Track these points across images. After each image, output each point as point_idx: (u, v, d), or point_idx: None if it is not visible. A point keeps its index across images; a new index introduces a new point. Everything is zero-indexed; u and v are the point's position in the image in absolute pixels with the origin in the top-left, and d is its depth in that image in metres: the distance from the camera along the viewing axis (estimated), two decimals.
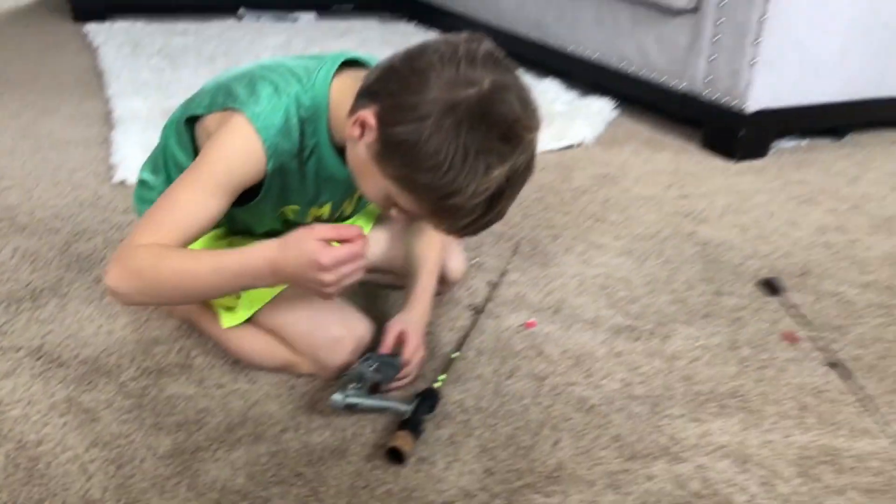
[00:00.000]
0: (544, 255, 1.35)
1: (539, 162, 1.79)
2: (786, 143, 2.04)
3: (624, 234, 1.45)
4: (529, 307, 1.18)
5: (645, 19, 2.07)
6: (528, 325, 1.13)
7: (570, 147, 1.91)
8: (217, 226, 0.90)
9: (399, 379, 0.94)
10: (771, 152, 1.96)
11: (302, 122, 0.87)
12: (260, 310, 0.94)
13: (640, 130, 2.10)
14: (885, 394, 1.02)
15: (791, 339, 1.12)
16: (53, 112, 1.93)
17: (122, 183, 1.51)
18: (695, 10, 1.91)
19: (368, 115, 0.77)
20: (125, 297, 0.84)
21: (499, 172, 0.75)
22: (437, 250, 1.07)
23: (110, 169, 1.58)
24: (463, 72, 0.74)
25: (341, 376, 0.93)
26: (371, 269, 1.15)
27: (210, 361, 1.00)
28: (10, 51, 2.51)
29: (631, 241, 1.43)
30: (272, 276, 0.81)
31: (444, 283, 1.14)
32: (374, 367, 0.89)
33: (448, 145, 0.73)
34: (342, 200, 1.01)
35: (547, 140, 1.89)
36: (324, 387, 0.95)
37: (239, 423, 0.89)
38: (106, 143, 1.73)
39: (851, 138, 2.13)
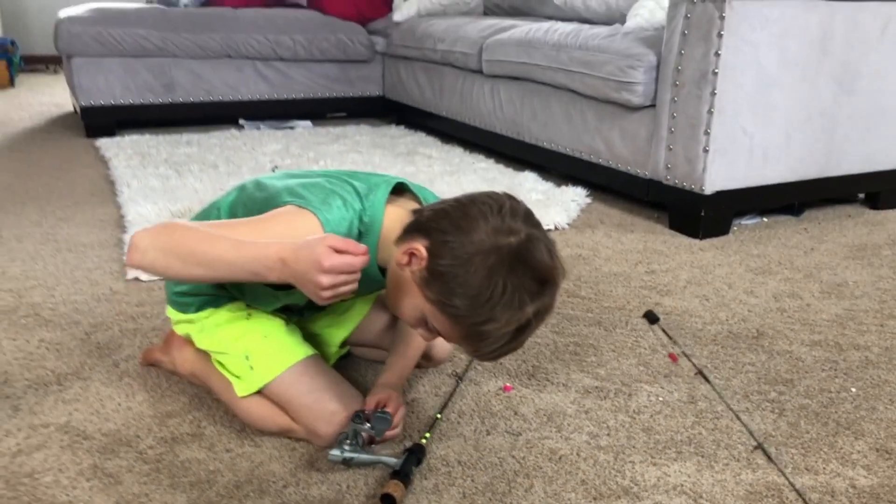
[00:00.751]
0: None
1: None
2: (747, 221, 2.21)
3: (594, 307, 1.59)
4: (506, 373, 1.30)
5: (609, 116, 2.28)
6: (505, 389, 1.25)
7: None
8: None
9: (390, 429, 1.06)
10: (733, 230, 2.12)
11: (360, 237, 1.00)
12: (268, 383, 1.07)
13: (612, 215, 2.27)
14: (827, 436, 1.14)
15: (672, 359, 1.35)
16: (70, 219, 2.10)
17: (135, 279, 1.66)
18: (652, 105, 2.12)
19: (420, 247, 0.92)
20: (140, 252, 0.92)
21: (531, 309, 0.89)
22: (418, 342, 1.20)
23: (123, 267, 1.73)
24: (506, 222, 0.90)
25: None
26: (367, 345, 1.29)
27: (219, 430, 1.11)
28: (29, 166, 2.71)
29: (601, 312, 1.56)
30: (280, 271, 0.88)
31: (430, 361, 1.27)
32: (367, 424, 1.01)
33: (490, 279, 0.87)
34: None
35: None
36: (320, 448, 1.07)
37: (246, 481, 1.00)
38: (119, 244, 1.88)
39: (808, 214, 2.30)
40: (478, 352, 0.94)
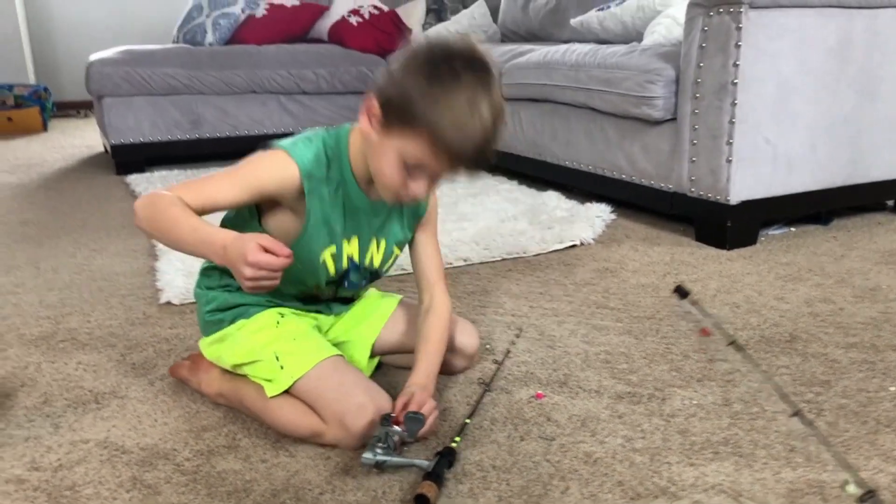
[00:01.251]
0: (551, 339, 1.48)
1: (542, 261, 1.96)
2: (774, 231, 2.20)
3: (624, 317, 1.59)
4: (538, 382, 1.30)
5: (630, 132, 2.29)
6: (537, 397, 1.25)
7: (571, 247, 2.08)
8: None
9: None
10: (760, 240, 2.11)
11: (328, 159, 1.10)
12: (298, 380, 1.09)
13: (636, 229, 2.27)
14: (867, 434, 1.12)
15: (705, 333, 1.34)
16: (104, 250, 2.14)
17: (168, 303, 1.69)
18: (672, 119, 2.13)
19: (369, 98, 1.02)
20: (137, 219, 1.05)
21: (469, 78, 0.95)
22: (442, 328, 1.22)
23: (156, 293, 1.76)
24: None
25: (366, 442, 1.04)
26: (395, 349, 1.30)
27: (254, 442, 1.12)
28: (63, 202, 2.78)
29: (630, 322, 1.56)
30: (222, 257, 0.98)
31: (462, 358, 1.29)
32: (397, 427, 1.02)
33: (425, 72, 0.96)
34: (367, 238, 1.18)
35: (549, 241, 2.06)
36: (354, 456, 1.07)
37: (282, 490, 1.01)
38: (151, 272, 1.92)
39: (837, 223, 2.28)
40: (458, 153, 0.98)
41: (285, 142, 1.11)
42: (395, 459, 1.00)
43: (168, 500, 0.98)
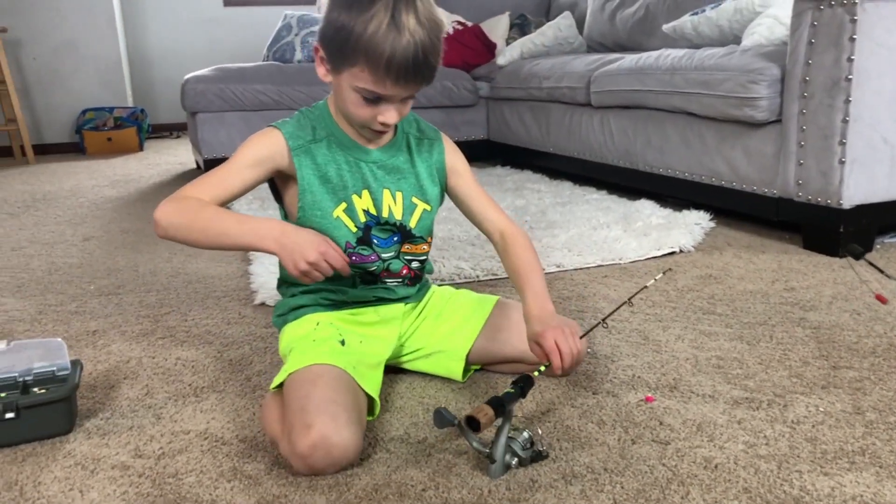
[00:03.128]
0: (656, 343, 1.40)
1: (640, 267, 1.89)
2: (892, 239, 2.05)
3: (733, 322, 1.49)
4: (646, 386, 1.23)
5: (730, 135, 2.19)
6: (647, 400, 1.17)
7: (670, 254, 1.99)
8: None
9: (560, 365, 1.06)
10: (876, 247, 1.97)
11: (312, 123, 1.16)
12: (287, 377, 1.06)
13: (739, 237, 2.16)
14: None
15: (881, 299, 1.19)
16: (198, 255, 2.18)
17: (262, 305, 1.69)
18: (777, 120, 2.02)
19: (315, 45, 1.08)
20: (162, 229, 1.10)
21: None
22: (525, 251, 1.21)
23: (251, 294, 1.77)
24: None
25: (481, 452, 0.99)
26: (490, 360, 1.26)
27: None
28: None
29: (741, 328, 1.46)
30: (276, 239, 1.04)
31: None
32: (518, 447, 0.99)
33: (340, 14, 1.01)
34: (377, 190, 1.17)
35: (647, 248, 1.98)
36: (458, 453, 1.02)
37: (384, 485, 0.97)
38: (245, 275, 1.94)
39: None
40: (397, 74, 1.00)
41: (278, 122, 1.17)
42: (500, 448, 0.96)
43: (269, 491, 0.96)
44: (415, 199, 1.21)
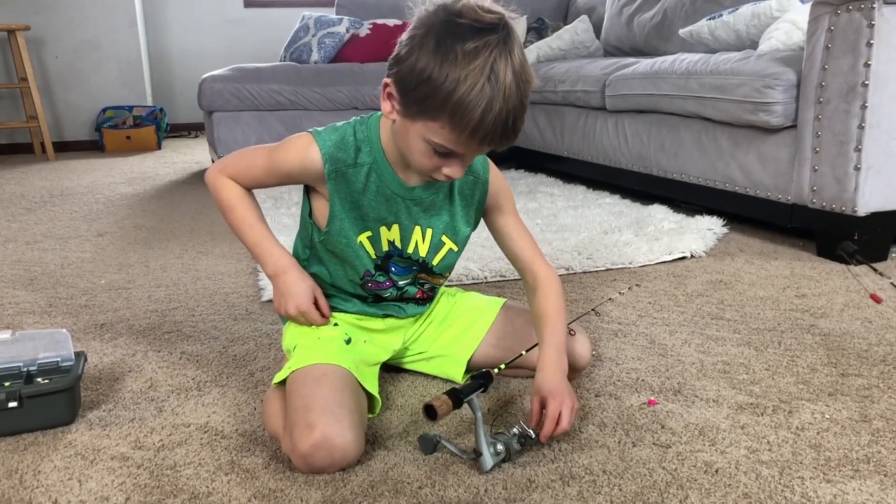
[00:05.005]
0: (662, 347, 1.39)
1: (650, 272, 1.87)
2: None
3: (742, 328, 1.48)
4: (650, 389, 1.21)
5: (745, 140, 2.17)
6: (650, 403, 1.16)
7: (681, 259, 1.98)
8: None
9: (550, 434, 1.01)
10: (891, 256, 1.94)
11: (358, 142, 1.07)
12: (291, 374, 1.06)
13: (751, 244, 2.14)
14: None
15: (876, 299, 1.17)
16: (209, 252, 2.19)
17: (269, 302, 1.70)
18: (792, 126, 2.00)
19: (385, 82, 0.97)
20: (210, 190, 1.16)
21: (474, 44, 0.88)
22: (554, 299, 1.15)
23: (259, 291, 1.78)
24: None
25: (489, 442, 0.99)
26: (494, 365, 1.25)
27: None
28: (173, 210, 2.89)
29: (749, 333, 1.45)
30: (269, 277, 1.14)
31: (572, 370, 1.21)
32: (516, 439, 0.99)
33: (438, 49, 0.89)
34: (409, 226, 1.12)
35: (657, 252, 1.96)
36: (454, 451, 1.02)
37: (380, 481, 0.96)
38: (254, 273, 1.95)
39: None
40: (484, 135, 0.91)
41: (318, 128, 1.10)
42: (482, 441, 0.96)
43: (265, 485, 0.96)
44: (444, 238, 1.16)
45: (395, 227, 1.12)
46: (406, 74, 0.92)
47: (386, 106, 0.98)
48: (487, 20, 0.89)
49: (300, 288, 1.13)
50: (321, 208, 1.13)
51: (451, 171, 0.99)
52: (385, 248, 1.14)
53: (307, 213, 1.16)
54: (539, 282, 1.16)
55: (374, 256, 1.14)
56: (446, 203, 1.14)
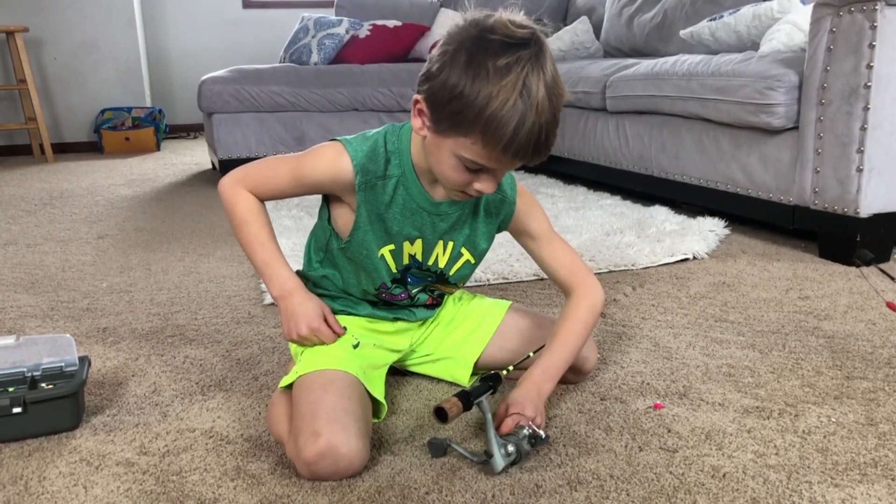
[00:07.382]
0: (666, 350, 1.39)
1: (652, 274, 1.87)
2: None
3: (745, 331, 1.48)
4: (655, 393, 1.21)
5: (746, 142, 2.17)
6: (655, 407, 1.16)
7: (683, 260, 1.98)
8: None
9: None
10: (894, 257, 1.94)
11: (388, 154, 1.05)
12: (298, 378, 1.05)
13: (754, 245, 2.14)
14: None
15: (893, 307, 1.17)
16: (210, 255, 2.19)
17: (272, 305, 1.69)
18: (794, 127, 2.00)
19: (415, 98, 0.96)
20: (224, 202, 1.14)
21: (507, 60, 0.87)
22: (582, 311, 1.14)
23: (261, 294, 1.77)
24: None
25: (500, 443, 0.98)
26: (500, 367, 1.25)
27: None
28: (174, 212, 2.89)
29: (753, 336, 1.45)
30: (275, 299, 1.12)
31: (578, 374, 1.22)
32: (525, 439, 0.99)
33: (469, 65, 0.88)
34: (432, 241, 1.12)
35: (660, 254, 1.96)
36: (462, 457, 1.01)
37: (387, 487, 0.96)
38: (256, 275, 1.94)
39: None
40: (517, 150, 0.90)
41: (347, 136, 1.08)
42: (493, 443, 0.96)
43: (272, 490, 0.96)
44: (463, 250, 1.15)
45: (419, 242, 1.12)
46: (437, 91, 0.91)
47: (416, 122, 0.97)
48: (519, 35, 0.88)
49: (308, 307, 1.10)
50: (343, 217, 1.12)
51: (483, 185, 0.98)
52: (406, 261, 1.14)
53: (325, 219, 1.15)
54: (570, 299, 1.17)
55: (394, 270, 1.14)
56: (470, 218, 1.13)
